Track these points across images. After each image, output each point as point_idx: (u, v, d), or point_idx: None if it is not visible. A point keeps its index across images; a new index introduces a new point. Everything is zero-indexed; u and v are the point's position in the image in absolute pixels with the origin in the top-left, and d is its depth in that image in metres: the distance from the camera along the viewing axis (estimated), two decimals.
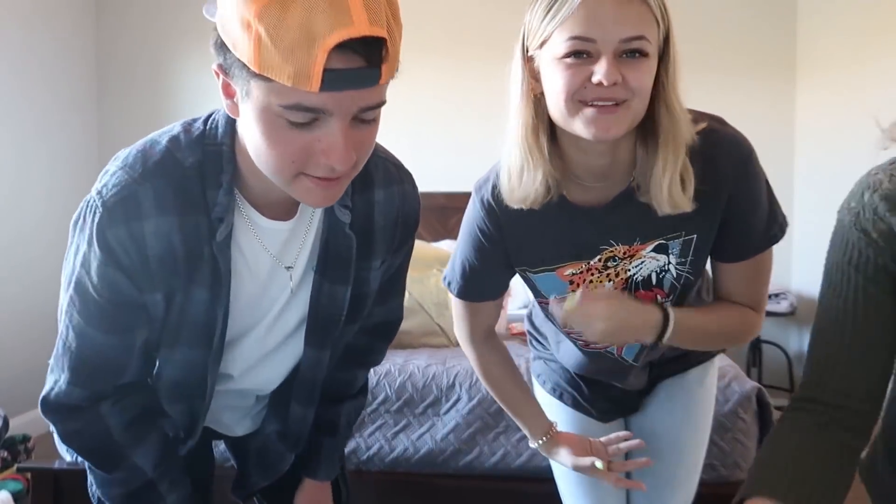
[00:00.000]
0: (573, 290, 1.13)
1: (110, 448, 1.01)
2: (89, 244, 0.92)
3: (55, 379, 0.98)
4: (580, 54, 0.93)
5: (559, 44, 0.94)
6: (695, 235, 1.09)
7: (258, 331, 1.06)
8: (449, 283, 1.27)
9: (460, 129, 3.91)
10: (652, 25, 0.94)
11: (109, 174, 0.93)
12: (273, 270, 1.01)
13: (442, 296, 2.53)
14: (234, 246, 0.96)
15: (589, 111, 0.94)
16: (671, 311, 1.08)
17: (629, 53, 0.93)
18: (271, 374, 1.14)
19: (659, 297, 1.13)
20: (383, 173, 1.06)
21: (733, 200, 1.06)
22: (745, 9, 3.78)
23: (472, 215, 1.19)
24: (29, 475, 2.33)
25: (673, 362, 1.33)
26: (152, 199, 0.90)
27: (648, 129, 1.01)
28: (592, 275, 1.13)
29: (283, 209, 0.98)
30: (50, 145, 3.69)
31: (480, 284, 1.23)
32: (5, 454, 2.72)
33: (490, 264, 1.19)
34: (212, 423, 1.18)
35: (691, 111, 1.06)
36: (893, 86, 2.85)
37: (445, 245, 3.69)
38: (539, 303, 1.27)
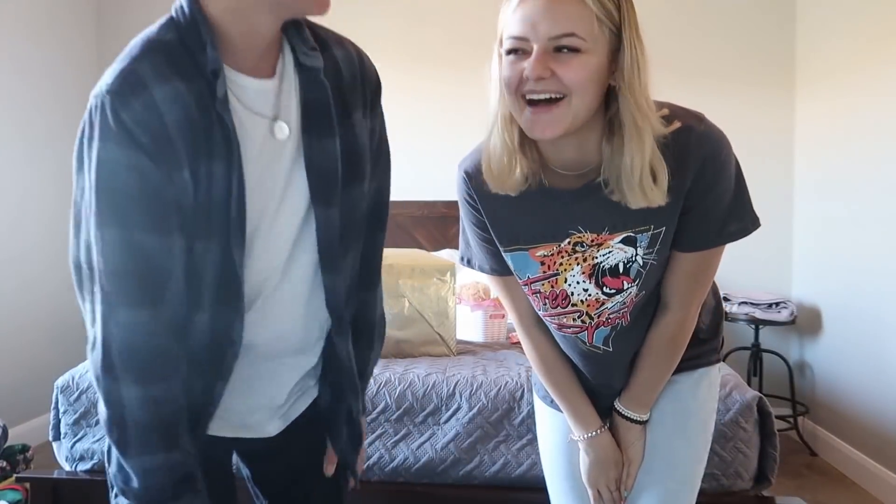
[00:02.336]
0: (544, 272, 1.17)
1: (176, 417, 0.96)
2: (105, 139, 0.91)
3: (106, 325, 0.93)
4: (517, 51, 1.01)
5: (505, 41, 1.03)
6: (663, 228, 1.11)
7: (269, 216, 1.02)
8: (468, 262, 1.29)
9: (460, 138, 3.90)
10: (587, 22, 0.98)
11: (102, 78, 0.95)
12: (267, 138, 1.01)
13: (442, 305, 2.52)
14: (231, 111, 0.97)
15: (527, 111, 1.01)
16: (630, 419, 1.25)
17: (559, 49, 0.98)
18: (294, 302, 1.08)
19: (625, 283, 1.15)
20: (333, 37, 1.14)
21: (693, 189, 1.08)
22: (743, 17, 3.79)
23: (458, 188, 1.23)
24: (28, 485, 2.33)
25: None
26: (152, 72, 0.93)
27: (615, 125, 1.04)
28: (562, 257, 1.16)
29: (265, 68, 1.01)
30: (54, 154, 3.70)
31: (490, 255, 1.24)
32: (4, 464, 2.71)
33: (486, 234, 1.22)
34: (239, 427, 1.14)
35: (672, 107, 1.10)
36: (893, 94, 2.85)
37: (445, 254, 3.69)
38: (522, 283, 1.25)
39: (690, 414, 1.28)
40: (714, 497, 2.02)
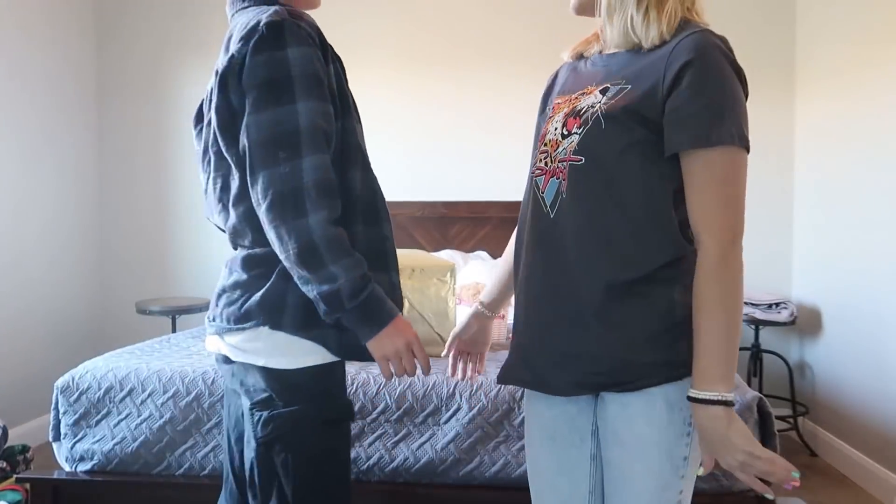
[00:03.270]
0: (550, 116, 1.30)
1: (344, 236, 1.22)
2: (286, 45, 1.17)
3: (305, 163, 1.15)
4: None
5: None
6: (629, 86, 1.16)
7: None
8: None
9: (460, 139, 3.92)
10: None
11: (253, 24, 1.21)
12: None
13: (442, 305, 2.52)
14: None
15: None
16: (701, 400, 1.09)
17: None
18: None
19: (574, 126, 1.20)
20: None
21: (672, 75, 1.11)
22: (743, 18, 3.80)
23: (546, 82, 1.45)
24: (28, 486, 2.33)
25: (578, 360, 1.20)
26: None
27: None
28: (564, 105, 1.27)
29: None
30: (52, 155, 3.70)
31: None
32: (4, 465, 2.72)
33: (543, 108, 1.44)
34: None
35: (702, 28, 1.17)
36: (892, 95, 2.85)
37: (446, 254, 3.69)
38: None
39: (648, 441, 1.15)
40: (714, 497, 2.03)
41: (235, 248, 1.35)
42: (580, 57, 1.33)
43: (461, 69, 3.89)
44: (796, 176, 3.76)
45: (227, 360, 1.36)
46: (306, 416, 1.26)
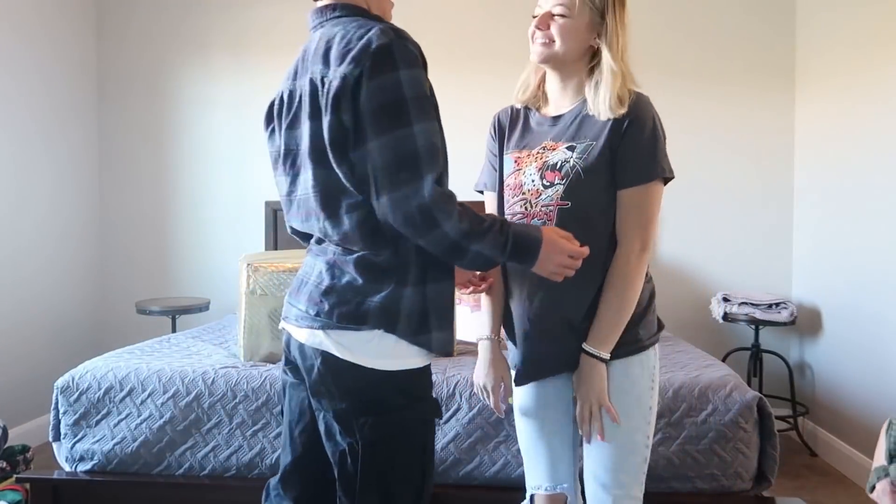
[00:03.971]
0: (516, 168, 1.61)
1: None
2: (398, 67, 1.25)
3: (426, 182, 1.25)
4: (537, 15, 1.57)
5: (535, 10, 1.59)
6: (594, 143, 1.53)
7: None
8: (479, 188, 1.76)
9: (459, 140, 3.91)
10: (576, 2, 1.51)
11: (364, 39, 1.27)
12: None
13: None
14: None
15: (533, 45, 1.58)
16: (593, 349, 1.52)
17: (554, 16, 1.53)
18: None
19: (556, 178, 1.55)
20: None
21: (626, 134, 1.51)
22: (743, 20, 3.80)
23: (489, 129, 1.73)
24: (28, 486, 2.33)
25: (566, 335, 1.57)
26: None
27: (595, 72, 1.55)
28: (528, 158, 1.60)
29: None
30: (51, 154, 3.70)
31: (489, 173, 1.71)
32: (4, 465, 2.71)
33: (495, 150, 1.71)
34: None
35: (636, 91, 1.55)
36: (892, 96, 2.86)
37: None
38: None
39: (623, 391, 1.53)
40: (714, 497, 2.03)
41: (335, 251, 1.41)
42: (526, 108, 1.67)
43: (460, 71, 3.89)
44: (796, 176, 3.76)
45: (301, 353, 1.44)
46: (411, 416, 1.38)
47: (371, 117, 1.25)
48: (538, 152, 1.58)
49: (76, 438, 2.27)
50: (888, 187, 2.88)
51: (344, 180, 1.32)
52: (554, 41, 1.53)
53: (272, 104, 1.48)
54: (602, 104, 1.51)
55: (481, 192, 1.75)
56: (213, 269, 4.05)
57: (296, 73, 1.42)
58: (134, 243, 4.13)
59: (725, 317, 3.48)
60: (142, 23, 4.08)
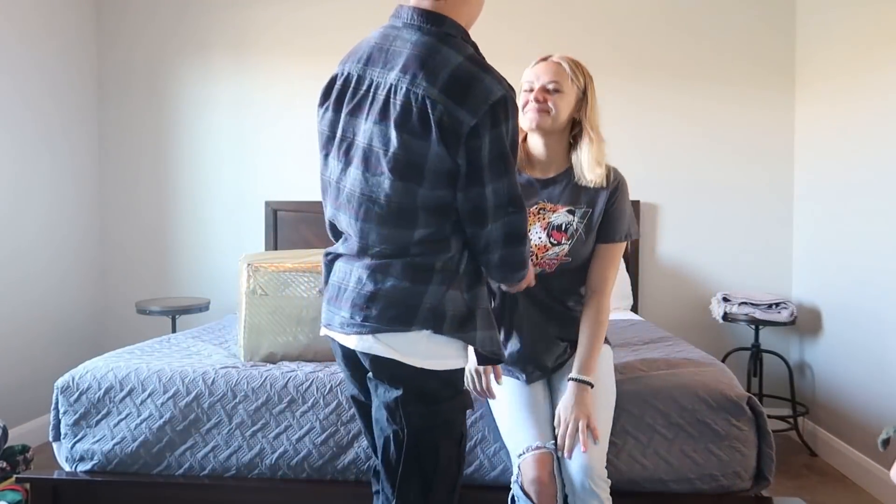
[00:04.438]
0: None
1: None
2: (510, 118, 1.41)
3: (525, 213, 1.49)
4: (530, 91, 1.92)
5: (524, 84, 1.94)
6: (591, 210, 1.94)
7: None
8: None
9: None
10: (566, 80, 1.88)
11: (482, 84, 1.38)
12: None
13: None
14: None
15: (530, 113, 1.90)
16: (581, 376, 1.86)
17: (549, 90, 1.89)
18: None
19: (563, 238, 1.92)
20: None
21: (611, 201, 1.94)
22: (743, 20, 3.80)
23: None
24: (28, 486, 2.33)
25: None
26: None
27: (577, 139, 1.94)
28: (530, 217, 1.89)
29: None
30: (51, 155, 3.70)
31: None
32: (4, 465, 2.72)
33: None
34: None
35: (611, 166, 1.97)
36: (892, 96, 2.86)
37: None
38: None
39: (603, 378, 1.95)
40: (714, 497, 2.03)
41: (375, 254, 1.48)
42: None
43: None
44: (796, 176, 3.76)
45: (352, 358, 1.56)
46: (455, 407, 1.52)
47: (489, 166, 1.41)
48: (537, 211, 1.93)
49: (76, 438, 2.27)
50: (888, 187, 2.88)
51: (419, 193, 1.41)
52: (551, 111, 1.87)
53: (333, 80, 1.51)
54: (585, 164, 1.89)
55: None
56: (213, 269, 4.06)
57: (369, 58, 1.46)
58: (134, 243, 4.13)
59: (725, 317, 3.48)
60: (142, 23, 4.08)
